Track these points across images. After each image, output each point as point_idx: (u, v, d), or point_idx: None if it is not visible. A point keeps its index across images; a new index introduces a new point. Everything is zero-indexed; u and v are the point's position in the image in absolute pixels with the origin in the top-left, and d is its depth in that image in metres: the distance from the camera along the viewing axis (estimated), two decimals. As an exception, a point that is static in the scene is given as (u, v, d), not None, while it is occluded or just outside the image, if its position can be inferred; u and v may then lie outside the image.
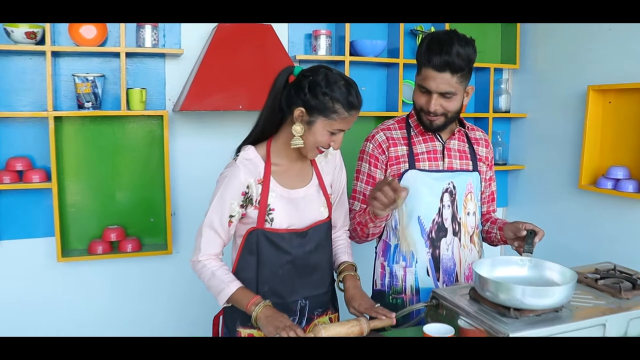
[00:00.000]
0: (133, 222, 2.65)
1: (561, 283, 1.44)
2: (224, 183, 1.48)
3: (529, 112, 3.18)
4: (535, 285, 1.38)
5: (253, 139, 1.54)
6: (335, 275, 1.67)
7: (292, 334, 1.30)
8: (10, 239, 2.51)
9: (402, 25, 2.81)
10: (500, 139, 3.23)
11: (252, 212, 1.49)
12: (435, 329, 1.37)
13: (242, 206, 1.48)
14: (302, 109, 1.42)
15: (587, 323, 1.34)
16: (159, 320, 2.75)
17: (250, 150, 1.51)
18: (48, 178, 2.44)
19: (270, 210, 1.49)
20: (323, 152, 1.50)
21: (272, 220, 1.49)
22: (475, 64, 3.05)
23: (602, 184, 2.58)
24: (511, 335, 1.25)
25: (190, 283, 2.66)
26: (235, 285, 1.45)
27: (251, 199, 1.48)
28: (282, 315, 1.39)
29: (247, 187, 1.47)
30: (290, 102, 1.44)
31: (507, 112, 3.23)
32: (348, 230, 1.77)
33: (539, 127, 3.11)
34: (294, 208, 1.52)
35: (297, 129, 1.43)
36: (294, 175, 1.55)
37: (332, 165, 1.65)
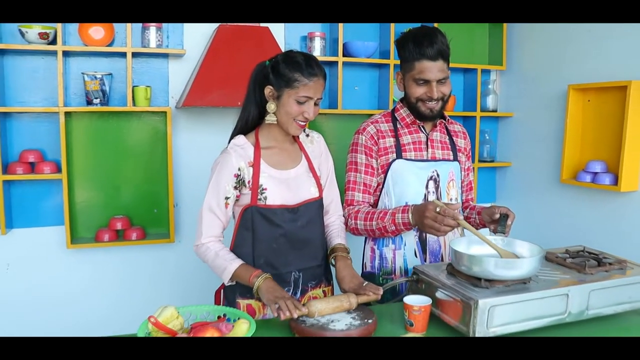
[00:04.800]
0: (137, 213, 2.80)
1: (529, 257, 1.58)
2: (217, 168, 1.64)
3: (516, 111, 3.32)
4: (505, 260, 1.52)
5: (239, 130, 1.70)
6: (328, 255, 1.80)
7: (289, 303, 1.43)
8: (23, 227, 2.66)
9: (392, 28, 2.97)
10: (488, 137, 3.37)
11: (246, 193, 1.63)
12: (414, 300, 1.52)
13: (235, 188, 1.63)
14: (271, 87, 1.61)
15: (551, 292, 1.46)
16: (162, 302, 2.88)
17: (240, 138, 1.68)
18: (58, 170, 2.59)
19: (263, 189, 1.63)
20: (303, 126, 1.64)
21: (265, 198, 1.63)
22: (464, 65, 3.25)
23: (581, 178, 2.72)
24: (480, 301, 1.38)
25: (191, 268, 2.82)
26: (237, 262, 1.58)
27: (243, 181, 1.63)
28: (281, 288, 1.52)
29: (239, 169, 1.62)
30: (262, 87, 1.63)
31: (495, 111, 3.37)
32: (343, 216, 1.88)
33: (525, 126, 3.26)
34: (286, 187, 1.66)
35: (271, 106, 1.62)
36: (284, 157, 1.70)
37: (318, 150, 1.80)
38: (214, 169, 1.65)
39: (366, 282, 1.62)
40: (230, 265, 1.58)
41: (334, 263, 1.74)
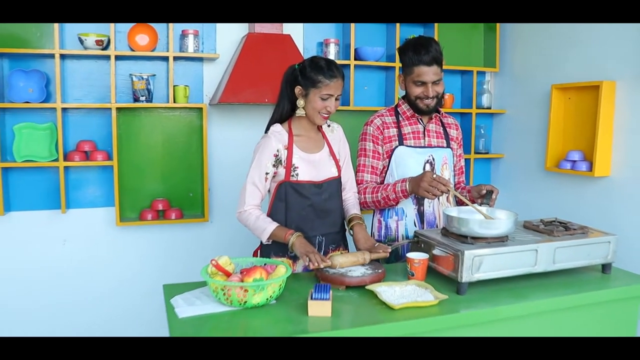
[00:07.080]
0: (175, 197, 3.19)
1: (505, 220, 1.96)
2: (260, 149, 2.02)
3: (507, 108, 3.69)
4: (487, 223, 1.91)
5: (275, 120, 2.08)
6: (345, 223, 2.19)
7: (317, 257, 1.81)
8: (77, 208, 3.06)
9: (397, 35, 3.35)
10: (483, 132, 3.73)
11: (281, 171, 2.02)
12: (415, 254, 1.91)
13: (274, 165, 2.01)
14: (300, 87, 1.97)
15: (523, 248, 1.83)
16: (199, 271, 3.29)
17: (277, 126, 2.06)
18: (109, 158, 2.99)
19: (295, 168, 2.02)
20: (326, 117, 2.01)
21: (297, 175, 2.02)
22: (462, 68, 3.64)
23: (562, 166, 3.09)
24: (466, 252, 1.75)
25: (225, 243, 3.21)
26: (274, 224, 1.96)
27: (280, 160, 2.01)
28: (311, 245, 1.91)
29: (277, 150, 2.00)
30: (293, 86, 2.00)
31: (489, 108, 3.73)
32: (356, 193, 2.24)
33: (516, 121, 3.62)
34: (313, 167, 2.05)
35: (300, 102, 1.99)
36: (310, 143, 2.08)
37: (337, 138, 2.19)
38: (256, 150, 2.03)
39: (377, 243, 2.01)
40: (268, 226, 1.96)
41: (351, 228, 2.11)
